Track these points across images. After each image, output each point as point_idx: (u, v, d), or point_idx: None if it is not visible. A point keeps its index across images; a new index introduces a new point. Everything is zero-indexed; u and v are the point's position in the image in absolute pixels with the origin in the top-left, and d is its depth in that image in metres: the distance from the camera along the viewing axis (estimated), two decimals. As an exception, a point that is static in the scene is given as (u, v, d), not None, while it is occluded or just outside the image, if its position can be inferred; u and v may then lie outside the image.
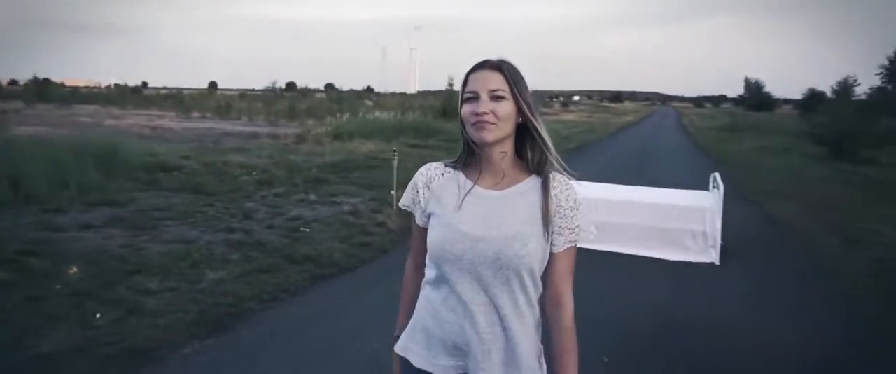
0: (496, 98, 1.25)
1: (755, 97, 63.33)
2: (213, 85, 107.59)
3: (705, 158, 15.89)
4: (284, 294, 4.13)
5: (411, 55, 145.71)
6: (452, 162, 1.37)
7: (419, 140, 15.78)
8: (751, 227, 6.70)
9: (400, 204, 1.44)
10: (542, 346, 1.35)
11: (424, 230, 1.36)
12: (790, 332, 3.81)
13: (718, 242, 5.32)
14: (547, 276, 1.31)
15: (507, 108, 1.25)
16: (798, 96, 50.98)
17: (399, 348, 1.42)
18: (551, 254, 1.30)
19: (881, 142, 16.06)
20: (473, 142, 1.28)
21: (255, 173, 8.46)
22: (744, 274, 5.04)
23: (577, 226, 1.30)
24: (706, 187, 6.44)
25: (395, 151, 6.99)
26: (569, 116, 41.89)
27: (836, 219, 7.30)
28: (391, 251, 5.38)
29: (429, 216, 1.34)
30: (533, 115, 1.28)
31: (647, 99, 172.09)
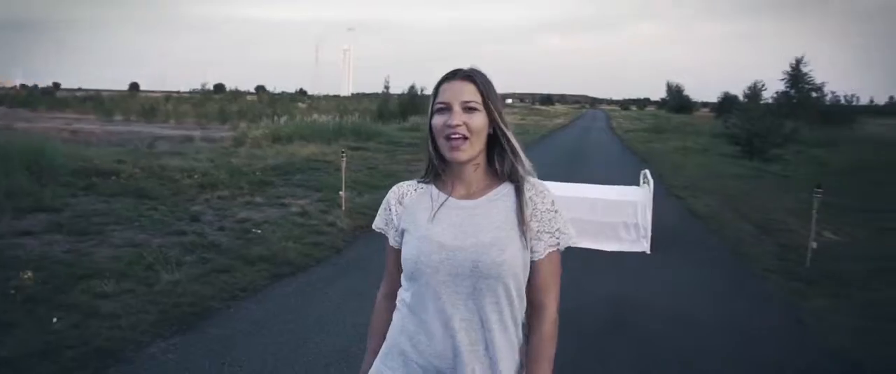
0: (469, 110, 1.22)
1: (676, 100, 67.10)
2: (134, 86, 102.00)
3: (633, 156, 16.84)
4: (243, 293, 4.20)
5: (345, 57, 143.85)
6: (423, 179, 1.34)
7: (360, 143, 15.81)
8: (676, 219, 7.30)
9: (374, 227, 1.37)
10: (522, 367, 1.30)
11: (398, 252, 1.31)
12: (712, 306, 4.29)
13: (649, 232, 5.81)
14: (529, 283, 1.27)
15: (479, 120, 1.23)
16: (714, 100, 54.59)
17: (373, 372, 1.34)
18: (534, 261, 1.26)
19: (785, 141, 17.59)
20: (442, 158, 1.26)
21: (196, 177, 8.31)
22: (672, 260, 5.54)
23: (557, 229, 1.27)
24: (637, 183, 6.96)
25: (343, 152, 7.11)
26: (504, 119, 42.79)
27: (748, 210, 8.06)
28: (344, 250, 5.51)
29: (402, 234, 1.30)
30: (504, 124, 1.26)
31: (577, 101, 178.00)
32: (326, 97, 74.06)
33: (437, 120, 1.23)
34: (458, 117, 1.21)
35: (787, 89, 39.44)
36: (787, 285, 4.82)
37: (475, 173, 1.28)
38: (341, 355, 3.28)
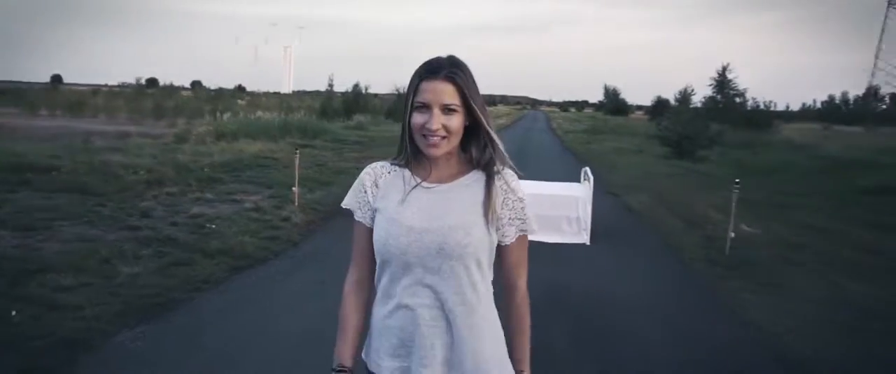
0: (448, 112, 1.25)
1: (613, 103, 69.70)
2: (56, 79, 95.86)
3: (573, 156, 17.60)
4: (205, 285, 4.30)
5: (286, 53, 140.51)
6: (396, 161, 1.36)
7: (306, 140, 15.73)
8: (613, 214, 7.83)
9: (343, 205, 1.39)
10: (505, 358, 1.35)
11: (370, 232, 1.33)
12: (644, 288, 4.75)
13: (589, 226, 6.26)
14: (502, 265, 1.34)
15: (458, 121, 1.26)
16: (649, 103, 57.19)
17: (364, 353, 1.38)
18: (505, 245, 1.33)
19: (711, 143, 18.85)
20: (418, 151, 1.29)
21: (142, 173, 8.16)
22: (609, 251, 6.00)
23: (525, 218, 1.33)
24: (577, 180, 7.43)
25: (297, 150, 7.20)
26: (448, 118, 43.26)
27: (677, 206, 8.72)
28: (301, 244, 5.66)
29: (374, 214, 1.33)
30: (484, 117, 1.29)
31: (519, 102, 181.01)
32: (266, 94, 72.29)
33: (417, 119, 1.25)
34: (437, 121, 1.23)
35: (714, 94, 42.02)
36: (709, 270, 5.37)
37: (448, 161, 1.32)
38: (307, 338, 3.45)
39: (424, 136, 1.25)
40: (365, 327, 1.37)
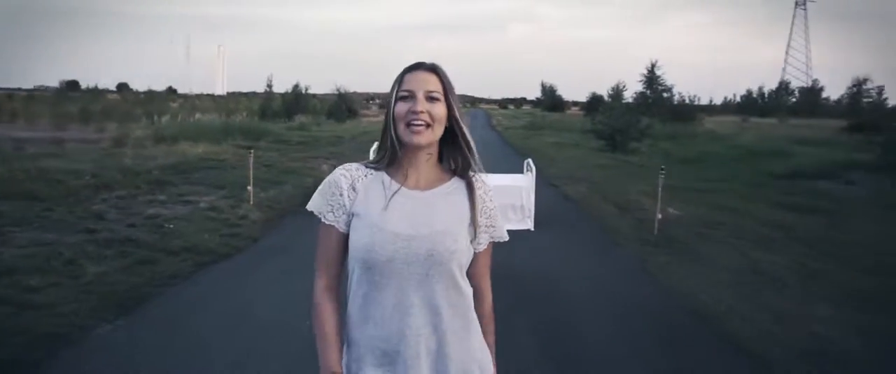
0: (432, 99, 1.27)
1: (550, 100, 71.80)
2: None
3: (514, 150, 18.28)
4: (174, 280, 4.47)
5: (218, 53, 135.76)
6: (372, 163, 1.34)
7: (250, 142, 15.59)
8: (553, 202, 8.41)
9: (310, 208, 1.32)
10: (489, 361, 1.36)
11: (342, 237, 1.30)
12: (582, 264, 5.30)
13: (533, 213, 6.76)
14: (470, 271, 1.34)
15: (441, 110, 1.28)
16: (584, 99, 59.34)
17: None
18: (477, 252, 1.34)
19: (642, 136, 20.03)
20: (401, 142, 1.28)
21: (88, 178, 8.04)
22: (551, 235, 6.53)
23: (496, 224, 1.37)
24: (520, 171, 7.95)
25: (251, 150, 7.35)
26: (390, 118, 43.42)
27: (611, 194, 9.43)
28: (261, 239, 5.87)
29: (350, 219, 1.29)
30: (460, 118, 1.31)
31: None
32: (199, 96, 69.83)
33: (401, 107, 1.27)
34: (422, 104, 1.25)
35: (644, 90, 44.25)
36: (639, 248, 5.99)
37: (427, 164, 1.32)
38: (277, 322, 3.71)
39: (409, 123, 1.26)
40: (341, 333, 1.33)
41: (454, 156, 1.34)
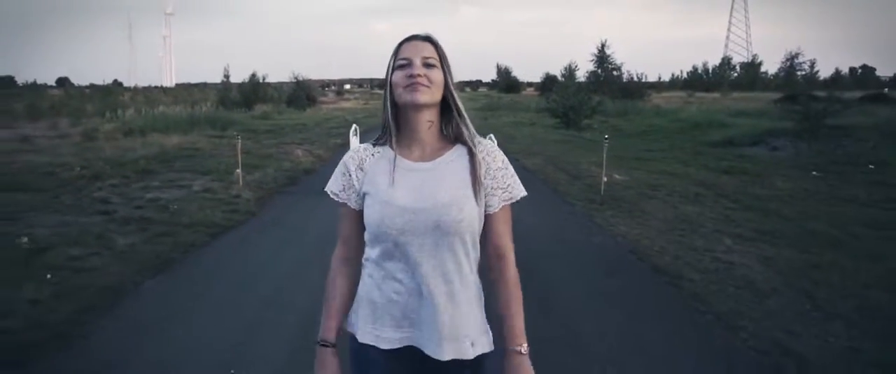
0: (428, 65, 1.31)
1: (505, 81, 73.04)
2: None
3: (475, 130, 19.17)
4: (194, 247, 5.17)
5: (165, 44, 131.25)
6: (378, 141, 1.39)
7: (218, 131, 16.02)
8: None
9: (327, 191, 1.41)
10: (486, 322, 1.40)
11: (357, 214, 1.37)
12: (540, 219, 6.24)
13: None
14: (487, 235, 1.37)
15: (438, 75, 1.31)
16: (538, 80, 60.81)
17: (346, 324, 1.42)
18: (490, 214, 1.36)
19: (593, 113, 21.27)
20: (402, 103, 1.32)
21: (78, 169, 8.50)
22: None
23: (509, 184, 1.38)
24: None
25: (238, 136, 7.98)
26: (347, 104, 43.69)
27: (564, 165, 10.46)
28: (259, 214, 6.58)
29: (363, 197, 1.36)
30: (454, 87, 1.35)
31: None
32: (147, 89, 67.86)
33: (399, 74, 1.31)
34: (419, 68, 1.30)
35: (596, 69, 45.88)
36: (588, 206, 6.99)
37: (429, 133, 1.35)
38: (290, 271, 4.51)
39: (408, 86, 1.29)
40: (347, 305, 1.41)
41: (450, 125, 1.38)
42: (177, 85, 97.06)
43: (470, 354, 1.33)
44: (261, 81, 35.87)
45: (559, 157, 11.65)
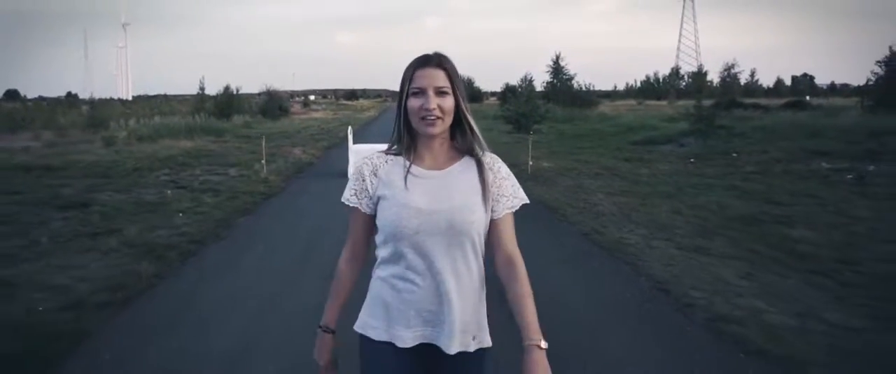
0: (441, 94, 1.42)
1: (468, 90, 74.06)
2: None
3: (439, 137, 22.08)
4: (254, 205, 7.85)
5: (120, 56, 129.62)
6: (391, 150, 1.51)
7: (216, 137, 18.49)
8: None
9: (343, 200, 1.51)
10: (486, 319, 1.53)
11: (369, 218, 1.50)
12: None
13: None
14: (497, 240, 1.49)
15: (449, 102, 1.43)
16: (499, 89, 64.18)
17: (358, 326, 1.51)
18: (496, 220, 1.48)
19: (542, 119, 24.43)
20: (418, 133, 1.45)
21: (131, 164, 11.01)
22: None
23: (512, 193, 1.52)
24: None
25: (263, 137, 10.66)
26: (317, 115, 45.88)
27: (508, 158, 13.38)
28: (287, 187, 9.30)
29: (377, 201, 1.47)
30: (466, 106, 1.46)
31: (379, 95, 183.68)
32: (104, 101, 67.97)
33: (414, 102, 1.43)
34: (433, 101, 1.41)
35: (552, 79, 49.46)
36: (542, 188, 9.92)
37: (441, 147, 1.49)
38: (325, 214, 7.20)
39: (423, 118, 1.42)
40: (348, 299, 1.57)
41: (462, 138, 1.50)
42: (134, 97, 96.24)
43: (472, 347, 1.47)
44: (235, 92, 37.97)
45: (505, 153, 14.60)
